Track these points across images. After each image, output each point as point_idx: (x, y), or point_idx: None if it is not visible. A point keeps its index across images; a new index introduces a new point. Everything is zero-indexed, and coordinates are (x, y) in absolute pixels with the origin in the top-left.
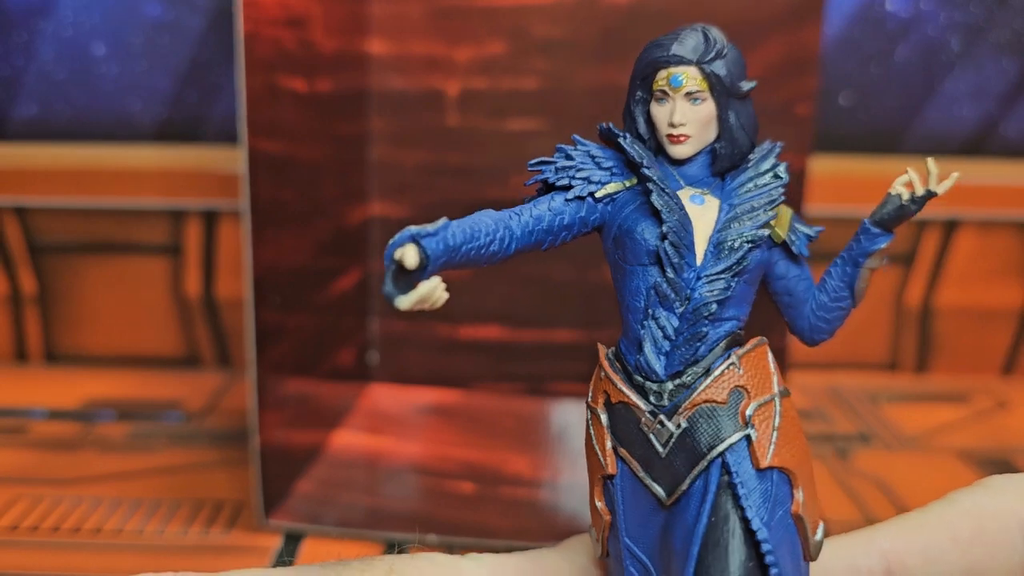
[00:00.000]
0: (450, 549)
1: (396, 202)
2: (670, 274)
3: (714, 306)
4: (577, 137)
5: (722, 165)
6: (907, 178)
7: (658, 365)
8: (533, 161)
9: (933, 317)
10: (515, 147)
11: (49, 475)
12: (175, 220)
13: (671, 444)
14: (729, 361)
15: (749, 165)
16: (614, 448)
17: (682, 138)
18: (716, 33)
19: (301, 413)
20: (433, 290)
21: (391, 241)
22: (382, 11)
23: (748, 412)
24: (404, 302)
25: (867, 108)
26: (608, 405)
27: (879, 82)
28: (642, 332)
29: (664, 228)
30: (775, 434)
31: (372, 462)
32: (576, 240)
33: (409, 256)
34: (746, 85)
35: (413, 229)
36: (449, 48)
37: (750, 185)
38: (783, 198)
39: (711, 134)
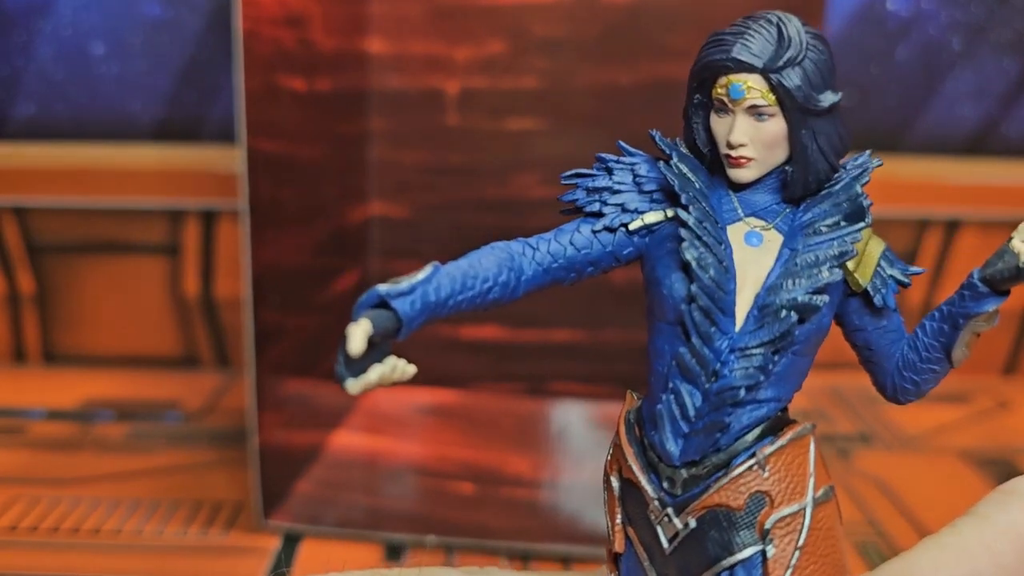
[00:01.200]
0: (450, 549)
1: (396, 202)
2: (696, 344)
3: (741, 392)
4: (624, 145)
5: (794, 192)
6: None
7: (674, 448)
8: (567, 173)
9: None
10: (515, 147)
11: (48, 475)
12: (174, 220)
13: (677, 543)
14: (753, 460)
15: (831, 192)
16: (623, 525)
17: (742, 161)
18: (795, 28)
19: (300, 413)
20: (391, 371)
21: (359, 300)
22: (382, 10)
23: (767, 524)
24: (353, 387)
25: (867, 108)
26: (621, 476)
27: (880, 82)
28: (660, 407)
29: (693, 288)
30: (796, 554)
31: (372, 462)
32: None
33: (355, 340)
34: (828, 98)
35: (383, 288)
36: (449, 48)
37: (821, 225)
38: (854, 252)
39: (780, 155)
